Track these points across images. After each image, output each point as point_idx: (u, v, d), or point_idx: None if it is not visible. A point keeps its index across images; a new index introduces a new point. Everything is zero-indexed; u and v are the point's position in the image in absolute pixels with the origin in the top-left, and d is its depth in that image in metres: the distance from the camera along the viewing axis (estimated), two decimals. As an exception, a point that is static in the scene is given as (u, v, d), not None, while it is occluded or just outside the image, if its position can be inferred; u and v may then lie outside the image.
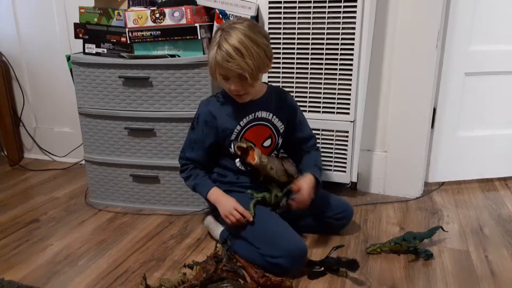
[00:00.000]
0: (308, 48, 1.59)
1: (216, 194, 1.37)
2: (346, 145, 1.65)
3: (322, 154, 1.69)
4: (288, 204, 1.33)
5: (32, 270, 1.31)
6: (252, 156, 1.33)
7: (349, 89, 1.58)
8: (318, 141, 1.67)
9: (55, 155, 2.29)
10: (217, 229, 1.43)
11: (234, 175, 1.43)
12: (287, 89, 1.59)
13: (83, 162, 1.91)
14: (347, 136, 1.64)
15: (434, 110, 1.77)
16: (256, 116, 1.38)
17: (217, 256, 1.23)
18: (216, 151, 1.43)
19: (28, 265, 1.34)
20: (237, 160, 1.40)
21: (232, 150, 1.38)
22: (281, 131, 1.43)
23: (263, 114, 1.39)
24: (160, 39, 1.55)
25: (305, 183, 1.32)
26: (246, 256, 1.29)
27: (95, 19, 1.62)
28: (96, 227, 1.58)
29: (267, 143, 1.42)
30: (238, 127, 1.37)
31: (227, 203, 1.34)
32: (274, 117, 1.40)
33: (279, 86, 1.63)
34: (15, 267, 1.33)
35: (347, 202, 1.49)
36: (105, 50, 1.63)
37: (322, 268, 1.25)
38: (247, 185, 1.41)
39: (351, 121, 1.62)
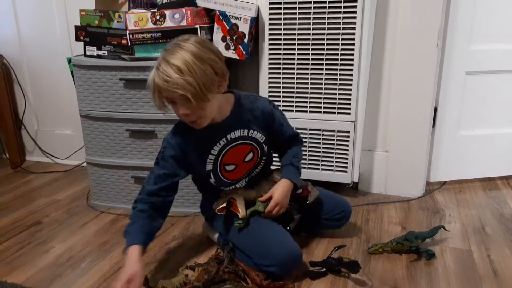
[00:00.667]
0: (308, 49, 1.59)
1: (130, 254, 1.13)
2: (347, 145, 1.65)
3: (324, 154, 1.69)
4: (295, 219, 1.33)
5: (35, 273, 1.32)
6: (235, 208, 1.27)
7: (350, 89, 1.58)
8: (319, 141, 1.68)
9: (57, 158, 2.29)
10: (214, 235, 1.44)
11: (221, 192, 1.37)
12: (288, 90, 1.59)
13: (85, 164, 1.91)
14: (348, 136, 1.64)
15: (435, 109, 1.77)
16: (229, 139, 1.25)
17: (218, 258, 1.23)
18: (196, 179, 1.39)
19: (30, 267, 1.35)
20: (221, 187, 1.33)
21: (212, 181, 1.31)
22: (262, 141, 1.30)
23: (237, 133, 1.25)
24: (160, 41, 1.55)
25: (276, 193, 1.28)
26: (245, 263, 1.27)
27: (96, 22, 1.63)
28: (98, 229, 1.58)
29: (249, 157, 1.31)
30: (211, 157, 1.26)
31: (126, 271, 1.09)
32: (251, 131, 1.27)
33: (280, 84, 1.63)
34: (17, 270, 1.33)
35: (345, 200, 1.47)
36: (106, 52, 1.64)
37: (324, 269, 1.25)
38: None
39: (352, 121, 1.62)
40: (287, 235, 1.25)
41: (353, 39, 1.53)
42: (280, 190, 1.29)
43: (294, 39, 1.59)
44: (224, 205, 1.27)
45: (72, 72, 1.68)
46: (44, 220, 1.67)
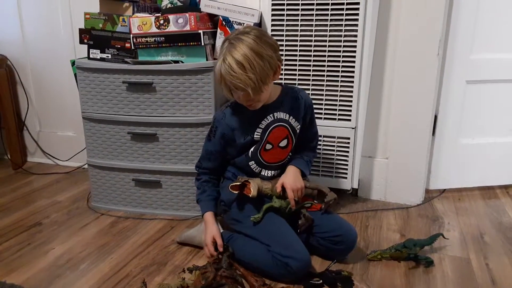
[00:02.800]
0: (310, 55, 1.60)
1: (207, 220, 1.39)
2: (348, 152, 1.66)
3: (324, 160, 1.71)
4: (306, 217, 1.34)
5: (34, 274, 1.32)
6: (248, 189, 1.33)
7: (351, 96, 1.60)
8: (319, 147, 1.69)
9: (58, 159, 2.30)
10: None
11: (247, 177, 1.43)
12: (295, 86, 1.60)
13: (86, 166, 1.92)
14: (348, 143, 1.65)
15: (436, 117, 1.77)
16: (275, 117, 1.37)
17: (216, 263, 1.23)
18: (235, 154, 1.44)
19: (30, 268, 1.35)
20: (252, 162, 1.40)
21: (250, 153, 1.39)
22: (298, 131, 1.42)
23: (281, 114, 1.38)
24: (164, 45, 1.57)
25: (285, 178, 1.36)
26: (249, 256, 1.29)
27: (100, 25, 1.64)
28: (98, 231, 1.59)
29: (283, 143, 1.40)
30: (259, 130, 1.37)
31: (209, 233, 1.36)
32: (291, 117, 1.39)
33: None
34: (17, 271, 1.34)
35: (351, 227, 1.36)
36: (110, 55, 1.65)
37: (321, 281, 1.24)
38: None
39: (353, 128, 1.63)
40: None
41: (355, 46, 1.54)
42: (289, 176, 1.36)
43: (296, 45, 1.61)
44: (239, 183, 1.32)
45: (75, 75, 1.70)
46: (44, 221, 1.68)
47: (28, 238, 1.54)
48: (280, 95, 1.39)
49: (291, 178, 1.35)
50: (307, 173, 1.43)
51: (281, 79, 1.66)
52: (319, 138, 1.66)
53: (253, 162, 1.41)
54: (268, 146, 1.39)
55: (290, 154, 1.44)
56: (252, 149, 1.39)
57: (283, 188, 1.34)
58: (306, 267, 1.25)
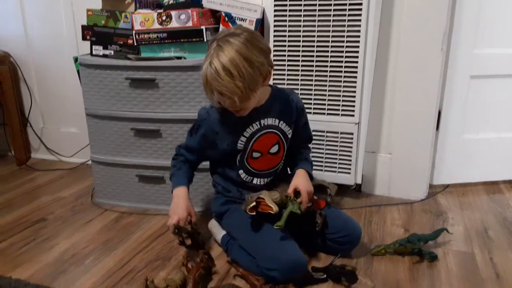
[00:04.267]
0: (313, 50, 1.60)
1: (178, 193, 1.34)
2: (351, 147, 1.66)
3: (327, 156, 1.70)
4: (322, 215, 1.31)
5: (39, 269, 1.33)
6: (266, 206, 1.23)
7: (354, 91, 1.59)
8: (322, 143, 1.68)
9: (62, 155, 2.31)
10: (219, 233, 1.44)
11: (237, 191, 1.40)
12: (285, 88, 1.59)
13: (90, 162, 1.92)
14: (351, 138, 1.65)
15: (439, 112, 1.77)
16: (262, 125, 1.32)
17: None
18: (221, 161, 1.40)
19: (35, 263, 1.36)
20: (241, 171, 1.37)
21: (237, 162, 1.35)
22: (289, 136, 1.37)
23: (269, 121, 1.32)
24: (166, 41, 1.57)
25: (297, 181, 1.30)
26: (245, 265, 1.28)
27: (103, 21, 1.64)
28: (102, 227, 1.60)
29: (274, 149, 1.36)
30: (243, 139, 1.32)
31: (178, 206, 1.32)
32: (281, 122, 1.34)
33: (284, 86, 1.63)
34: (22, 266, 1.34)
35: (356, 224, 1.35)
36: (112, 52, 1.65)
37: (325, 275, 1.24)
38: None
39: (356, 123, 1.63)
40: (294, 244, 1.23)
41: (358, 41, 1.53)
42: (301, 179, 1.32)
43: (299, 40, 1.60)
44: (253, 204, 1.23)
45: (78, 71, 1.70)
46: (48, 217, 1.69)
47: (33, 233, 1.55)
48: (269, 98, 1.32)
49: (304, 181, 1.31)
50: (313, 176, 1.39)
51: (284, 75, 1.65)
52: (322, 134, 1.67)
53: (242, 171, 1.37)
54: (256, 154, 1.35)
55: (283, 160, 1.40)
56: (238, 157, 1.35)
57: (296, 192, 1.28)
58: (297, 275, 1.19)
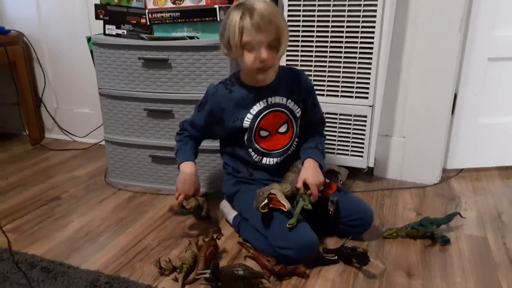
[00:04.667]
0: (328, 31, 1.57)
1: (186, 168, 1.35)
2: (364, 130, 1.64)
3: (340, 138, 1.69)
4: (333, 202, 1.29)
5: (54, 246, 1.35)
6: (278, 203, 1.21)
7: (369, 73, 1.57)
8: (335, 125, 1.67)
9: (75, 136, 2.33)
10: (231, 214, 1.45)
11: (247, 171, 1.40)
12: (305, 73, 1.57)
13: (103, 142, 1.94)
14: (365, 121, 1.63)
15: (455, 95, 1.74)
16: (269, 103, 1.32)
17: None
18: (230, 139, 1.40)
19: (50, 240, 1.39)
20: (250, 150, 1.36)
21: (245, 140, 1.34)
22: (298, 115, 1.36)
23: (276, 99, 1.32)
24: (179, 20, 1.55)
25: (306, 173, 1.28)
26: (257, 245, 1.29)
27: (116, 0, 1.63)
28: (115, 206, 1.62)
29: (283, 128, 1.35)
30: (250, 116, 1.32)
31: (186, 181, 1.34)
32: (289, 101, 1.33)
33: (298, 67, 1.61)
34: (37, 242, 1.37)
35: (368, 207, 1.34)
36: (125, 31, 1.64)
37: (336, 257, 1.24)
38: (261, 181, 1.38)
39: (370, 106, 1.61)
40: (306, 225, 1.23)
41: (374, 21, 1.50)
42: (310, 171, 1.29)
43: (314, 20, 1.57)
44: (265, 201, 1.20)
45: (91, 51, 1.70)
46: (63, 195, 1.71)
47: (48, 211, 1.58)
48: (276, 77, 1.32)
49: (312, 173, 1.28)
50: (323, 165, 1.35)
51: (297, 56, 1.63)
52: (335, 116, 1.65)
53: (251, 150, 1.36)
54: (264, 133, 1.34)
55: (296, 140, 1.40)
56: (246, 136, 1.34)
57: (305, 184, 1.27)
58: (309, 254, 1.20)
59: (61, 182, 1.83)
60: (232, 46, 1.20)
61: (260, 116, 1.32)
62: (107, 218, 1.52)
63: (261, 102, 1.32)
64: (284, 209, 1.20)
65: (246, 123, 1.33)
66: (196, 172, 1.37)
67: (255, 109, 1.32)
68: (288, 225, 1.19)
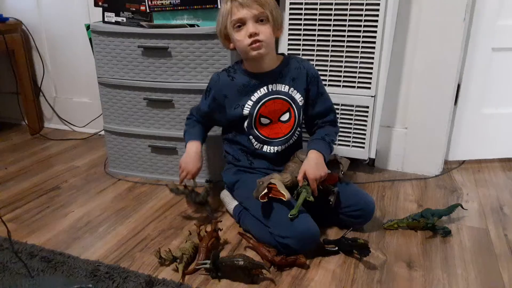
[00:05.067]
0: (330, 19, 1.54)
1: (192, 147, 1.39)
2: (366, 121, 1.63)
3: (341, 129, 1.66)
4: (334, 192, 1.28)
5: (54, 235, 1.35)
6: (278, 192, 1.20)
7: (371, 63, 1.55)
8: (337, 116, 1.65)
9: (75, 125, 2.32)
10: (231, 203, 1.44)
11: (247, 160, 1.40)
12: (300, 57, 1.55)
13: (102, 132, 1.92)
14: (367, 112, 1.62)
15: (458, 86, 1.72)
16: (270, 90, 1.32)
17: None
18: (230, 126, 1.40)
19: (49, 230, 1.38)
20: (251, 137, 1.36)
21: (245, 127, 1.35)
22: (301, 104, 1.35)
23: (278, 87, 1.32)
24: (179, 8, 1.53)
25: (306, 166, 1.26)
26: (257, 234, 1.29)
27: (115, -13, 1.60)
28: (115, 196, 1.61)
29: (285, 117, 1.35)
30: (250, 103, 1.32)
31: (189, 160, 1.37)
32: (292, 89, 1.33)
33: (295, 55, 1.60)
34: (37, 232, 1.37)
35: (369, 198, 1.33)
36: (125, 19, 1.62)
37: (336, 248, 1.24)
38: (261, 170, 1.38)
39: (372, 96, 1.59)
40: (307, 214, 1.22)
41: (377, 9, 1.48)
42: (312, 164, 1.27)
43: (316, 8, 1.55)
44: (265, 191, 1.20)
45: (90, 39, 1.67)
46: (62, 185, 1.70)
47: (48, 201, 1.57)
48: (280, 65, 1.34)
49: (314, 167, 1.26)
50: (327, 157, 1.32)
51: (299, 44, 1.61)
52: (337, 107, 1.64)
53: (251, 137, 1.36)
54: (265, 121, 1.34)
55: (299, 129, 1.39)
56: (245, 124, 1.35)
57: (305, 176, 1.26)
58: (309, 244, 1.20)
59: (61, 172, 1.82)
60: (224, 31, 1.28)
61: (261, 103, 1.32)
62: (107, 208, 1.52)
63: (262, 89, 1.33)
64: (284, 199, 1.19)
65: (246, 109, 1.33)
66: (201, 152, 1.40)
67: (256, 95, 1.33)
68: (290, 216, 1.18)
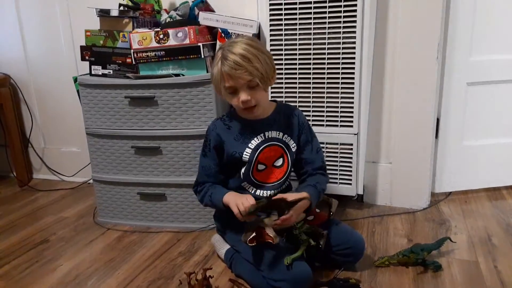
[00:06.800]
0: (310, 63, 1.61)
1: (230, 195, 1.29)
2: (351, 158, 1.66)
3: (328, 167, 1.65)
4: (324, 235, 1.27)
5: (43, 291, 1.33)
6: (266, 236, 1.20)
7: (352, 102, 1.60)
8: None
9: (64, 175, 2.32)
10: (223, 248, 1.44)
11: None
12: (290, 104, 1.60)
13: (91, 181, 1.93)
14: (351, 149, 1.65)
15: (438, 120, 1.77)
16: (266, 137, 1.34)
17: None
18: (226, 169, 1.40)
19: (38, 286, 1.35)
20: (244, 183, 1.36)
21: (242, 173, 1.35)
22: (293, 150, 1.38)
23: (273, 133, 1.35)
24: (164, 59, 1.58)
25: (291, 198, 1.21)
26: (250, 278, 1.28)
27: (101, 41, 1.66)
28: (104, 246, 1.59)
29: (279, 162, 1.36)
30: (248, 150, 1.33)
31: (248, 199, 1.22)
32: (286, 135, 1.36)
33: (282, 99, 1.64)
34: (26, 288, 1.34)
35: (359, 236, 1.34)
36: (111, 71, 1.67)
37: None
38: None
39: (355, 134, 1.63)
40: (301, 258, 1.23)
41: (354, 53, 1.55)
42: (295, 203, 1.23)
43: (295, 54, 1.61)
44: (253, 235, 1.20)
45: (78, 91, 1.71)
46: (51, 238, 1.68)
47: (36, 255, 1.55)
48: (273, 112, 1.37)
49: (295, 207, 1.22)
50: (314, 204, 1.30)
51: (282, 88, 1.66)
52: (322, 146, 1.66)
53: (245, 183, 1.37)
54: (261, 167, 1.35)
55: (289, 175, 1.39)
56: (243, 170, 1.35)
57: (278, 203, 1.21)
58: (303, 284, 1.19)
59: (49, 224, 1.81)
60: (218, 88, 1.28)
61: (259, 150, 1.34)
62: (96, 260, 1.50)
63: (258, 136, 1.34)
64: (272, 242, 1.19)
65: (246, 156, 1.33)
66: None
67: (254, 143, 1.33)
68: (286, 263, 1.19)
